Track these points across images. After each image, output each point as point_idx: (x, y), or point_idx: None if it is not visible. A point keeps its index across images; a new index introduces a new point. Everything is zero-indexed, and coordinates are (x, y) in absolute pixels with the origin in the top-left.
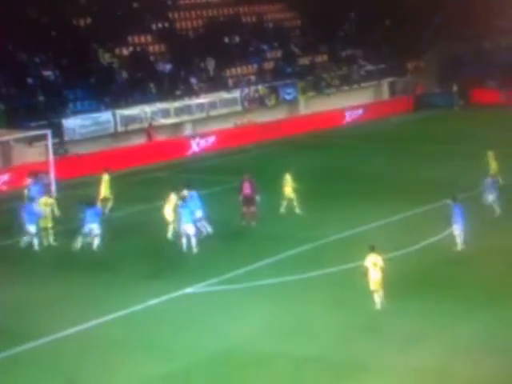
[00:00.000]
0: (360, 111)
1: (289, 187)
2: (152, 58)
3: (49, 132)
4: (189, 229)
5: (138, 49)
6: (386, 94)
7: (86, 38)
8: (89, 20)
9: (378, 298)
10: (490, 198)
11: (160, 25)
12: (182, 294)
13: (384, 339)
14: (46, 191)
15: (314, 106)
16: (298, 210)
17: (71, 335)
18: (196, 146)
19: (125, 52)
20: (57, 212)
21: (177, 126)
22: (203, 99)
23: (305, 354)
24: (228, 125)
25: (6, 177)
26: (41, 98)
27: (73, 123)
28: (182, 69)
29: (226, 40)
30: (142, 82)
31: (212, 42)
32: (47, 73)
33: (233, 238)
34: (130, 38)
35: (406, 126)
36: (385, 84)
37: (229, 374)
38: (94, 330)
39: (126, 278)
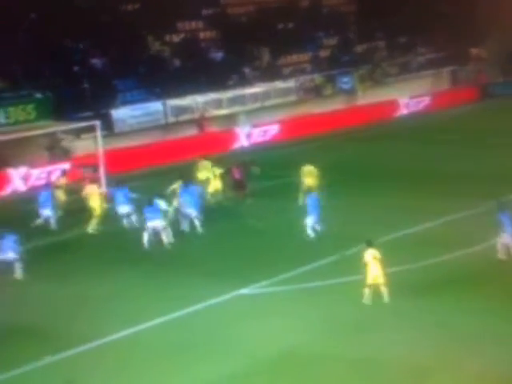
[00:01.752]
0: (420, 101)
1: (311, 178)
2: (203, 46)
3: (98, 123)
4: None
5: (189, 36)
6: (446, 83)
7: (134, 24)
8: (137, 5)
9: (369, 295)
10: None
11: (211, 10)
12: (237, 295)
13: (448, 340)
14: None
15: (371, 96)
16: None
17: (125, 337)
18: (249, 137)
19: (175, 39)
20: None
21: (229, 117)
22: (257, 89)
23: (360, 355)
24: (283, 116)
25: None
26: (88, 88)
27: (122, 114)
28: (234, 57)
29: (280, 26)
30: (193, 70)
31: (265, 29)
32: (94, 61)
33: (286, 235)
34: (179, 25)
35: (470, 117)
36: (445, 73)
37: (288, 375)
38: (147, 332)
39: (182, 277)
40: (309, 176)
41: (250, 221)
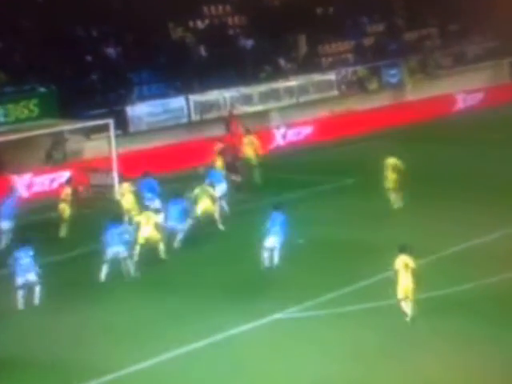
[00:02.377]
0: (477, 96)
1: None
2: (231, 33)
3: (111, 121)
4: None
5: (215, 21)
6: (506, 75)
7: (154, 8)
8: None
9: (406, 308)
10: None
11: None
12: (271, 320)
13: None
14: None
15: (422, 91)
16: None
17: (144, 369)
18: (283, 138)
19: (199, 25)
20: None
21: (261, 115)
22: (292, 82)
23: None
24: (322, 113)
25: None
26: (100, 81)
27: (139, 111)
28: (266, 46)
29: (319, 11)
30: (219, 61)
31: (302, 14)
32: (108, 50)
33: (326, 251)
34: (205, 9)
35: None
36: (505, 64)
37: None
38: (168, 363)
39: (204, 299)
40: (393, 171)
41: (289, 237)
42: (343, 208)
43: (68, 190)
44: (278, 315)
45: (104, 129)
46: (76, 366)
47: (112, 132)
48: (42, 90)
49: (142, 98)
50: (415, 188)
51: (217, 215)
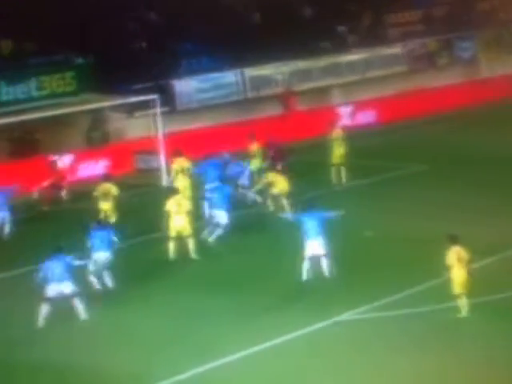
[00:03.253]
0: None
1: None
2: None
3: (156, 97)
4: None
5: None
6: None
7: None
8: None
9: (462, 303)
10: None
11: None
12: (334, 322)
13: None
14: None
15: (497, 67)
16: None
17: (196, 375)
18: (347, 118)
19: None
20: None
21: (321, 92)
22: (356, 56)
23: None
24: (388, 91)
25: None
26: (144, 52)
27: (187, 86)
28: (327, 15)
29: None
30: (276, 31)
31: None
32: (151, 17)
33: (397, 245)
34: None
35: None
36: None
37: None
38: (223, 368)
39: (255, 301)
40: None
41: (356, 230)
42: (416, 197)
43: (109, 189)
44: (339, 317)
45: (148, 106)
46: (117, 375)
47: (158, 109)
48: (80, 61)
49: (191, 71)
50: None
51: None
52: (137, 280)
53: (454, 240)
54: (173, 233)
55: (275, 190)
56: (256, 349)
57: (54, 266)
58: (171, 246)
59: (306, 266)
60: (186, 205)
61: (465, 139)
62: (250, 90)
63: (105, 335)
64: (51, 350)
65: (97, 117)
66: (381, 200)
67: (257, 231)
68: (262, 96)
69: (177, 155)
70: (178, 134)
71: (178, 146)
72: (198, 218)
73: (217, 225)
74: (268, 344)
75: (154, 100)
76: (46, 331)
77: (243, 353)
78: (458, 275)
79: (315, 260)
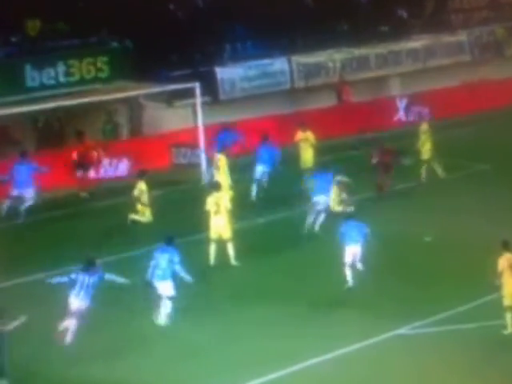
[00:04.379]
0: None
1: None
2: None
3: (198, 85)
4: None
5: None
6: None
7: None
8: None
9: (509, 319)
10: None
11: None
12: (393, 336)
13: None
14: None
15: None
16: None
17: None
18: (406, 111)
19: None
20: None
21: (378, 82)
22: (417, 43)
23: None
24: (451, 82)
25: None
26: (184, 36)
27: (231, 74)
28: None
29: None
30: (329, 14)
31: None
32: None
33: (451, 257)
34: None
35: None
36: None
37: None
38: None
39: (301, 313)
40: None
41: (415, 234)
42: (478, 200)
43: (143, 186)
44: (398, 331)
45: (189, 94)
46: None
47: (198, 98)
48: (114, 44)
49: (236, 58)
50: None
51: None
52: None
53: (506, 246)
54: (213, 235)
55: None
56: (313, 361)
57: (85, 279)
58: (211, 250)
59: (348, 273)
60: (227, 204)
61: None
62: (299, 79)
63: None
64: None
65: (132, 106)
66: (443, 202)
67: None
68: (312, 86)
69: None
70: (221, 125)
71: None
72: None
73: (319, 211)
74: (326, 357)
75: (194, 88)
76: None
77: (302, 364)
78: (509, 284)
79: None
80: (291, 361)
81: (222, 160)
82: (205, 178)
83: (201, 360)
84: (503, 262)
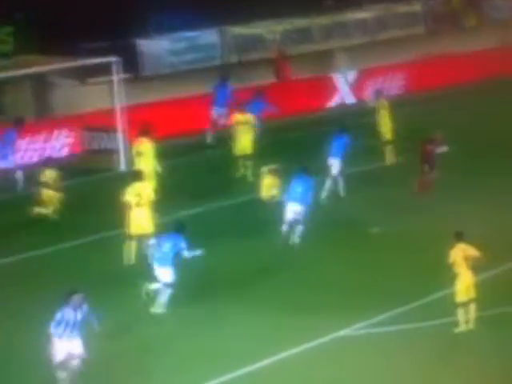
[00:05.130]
0: None
1: None
2: None
3: (116, 60)
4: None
5: None
6: None
7: None
8: None
9: (466, 314)
10: None
11: None
12: (335, 338)
13: None
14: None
15: None
16: None
17: None
18: (353, 89)
19: None
20: None
21: (323, 57)
22: (366, 14)
23: None
24: (405, 57)
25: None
26: (101, 4)
27: (156, 47)
28: None
29: None
30: None
31: None
32: None
33: (399, 249)
34: None
35: None
36: None
37: None
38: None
39: (264, 316)
40: None
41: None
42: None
43: (52, 174)
44: (342, 332)
45: (106, 71)
46: None
47: (116, 75)
48: (18, 16)
49: (161, 29)
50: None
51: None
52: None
53: (459, 236)
54: (133, 231)
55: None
56: (250, 368)
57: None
58: (130, 247)
59: (284, 229)
60: (150, 195)
61: (496, 115)
62: (233, 54)
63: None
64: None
65: (40, 84)
66: (386, 189)
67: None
68: (247, 61)
69: (141, 134)
70: (143, 106)
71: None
72: None
73: (335, 176)
74: (264, 362)
75: (113, 63)
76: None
77: (236, 373)
78: (463, 278)
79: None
80: (210, 374)
81: (145, 144)
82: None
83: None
84: (456, 253)
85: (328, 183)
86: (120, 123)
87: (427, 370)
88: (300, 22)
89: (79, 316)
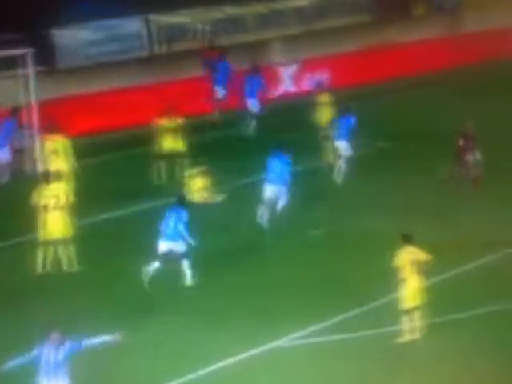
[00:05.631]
0: None
1: None
2: None
3: (30, 52)
4: None
5: None
6: None
7: None
8: None
9: (413, 322)
10: None
11: None
12: (271, 349)
13: None
14: None
15: (486, 19)
16: None
17: None
18: (290, 81)
19: None
20: None
21: (258, 47)
22: (303, 1)
23: None
24: (348, 47)
25: None
26: None
27: (73, 37)
28: None
29: None
30: None
31: None
32: None
33: (340, 251)
34: None
35: None
36: None
37: None
38: None
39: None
40: None
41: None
42: (377, 183)
43: None
44: (275, 343)
45: (18, 63)
46: None
47: (31, 68)
48: None
49: (79, 18)
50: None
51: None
52: None
53: (407, 239)
54: (46, 236)
55: None
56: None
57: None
58: (43, 253)
59: (261, 210)
60: (66, 197)
61: (442, 109)
62: (158, 44)
63: None
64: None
65: None
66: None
67: None
68: (175, 52)
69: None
70: (59, 101)
71: (60, 117)
72: None
73: (342, 157)
74: (188, 377)
75: (25, 55)
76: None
77: None
78: (411, 283)
79: None
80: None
81: (60, 142)
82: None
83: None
84: (403, 256)
85: (342, 166)
86: (35, 120)
87: (369, 383)
88: (232, 10)
89: (61, 355)
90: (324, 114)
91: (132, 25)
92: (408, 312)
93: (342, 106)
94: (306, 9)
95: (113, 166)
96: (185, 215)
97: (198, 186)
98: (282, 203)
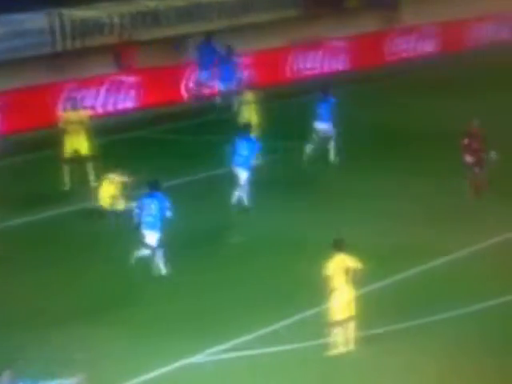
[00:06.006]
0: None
1: None
2: None
3: None
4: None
5: None
6: None
7: None
8: None
9: (344, 334)
10: None
11: None
12: (185, 365)
13: None
14: None
15: (424, 12)
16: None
17: None
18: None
19: None
20: None
21: (173, 44)
22: None
23: None
24: (275, 42)
25: None
26: None
27: None
28: None
29: None
30: None
31: None
32: None
33: (263, 261)
34: None
35: None
36: None
37: None
38: None
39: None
40: None
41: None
42: (303, 187)
43: None
44: (190, 359)
45: None
46: None
47: None
48: None
49: None
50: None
51: None
52: None
53: (338, 246)
54: None
55: None
56: None
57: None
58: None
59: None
60: None
61: (373, 109)
62: (67, 40)
63: None
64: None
65: None
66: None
67: None
68: (83, 48)
69: None
70: None
71: None
72: None
73: (323, 139)
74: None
75: None
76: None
77: None
78: (341, 293)
79: None
80: None
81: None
82: None
83: None
84: (334, 264)
85: (332, 144)
86: None
87: None
88: (148, 4)
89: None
90: (249, 116)
91: (36, 19)
92: (340, 323)
93: (321, 88)
94: (228, 2)
95: (17, 169)
96: (167, 201)
97: (106, 192)
98: (241, 192)
